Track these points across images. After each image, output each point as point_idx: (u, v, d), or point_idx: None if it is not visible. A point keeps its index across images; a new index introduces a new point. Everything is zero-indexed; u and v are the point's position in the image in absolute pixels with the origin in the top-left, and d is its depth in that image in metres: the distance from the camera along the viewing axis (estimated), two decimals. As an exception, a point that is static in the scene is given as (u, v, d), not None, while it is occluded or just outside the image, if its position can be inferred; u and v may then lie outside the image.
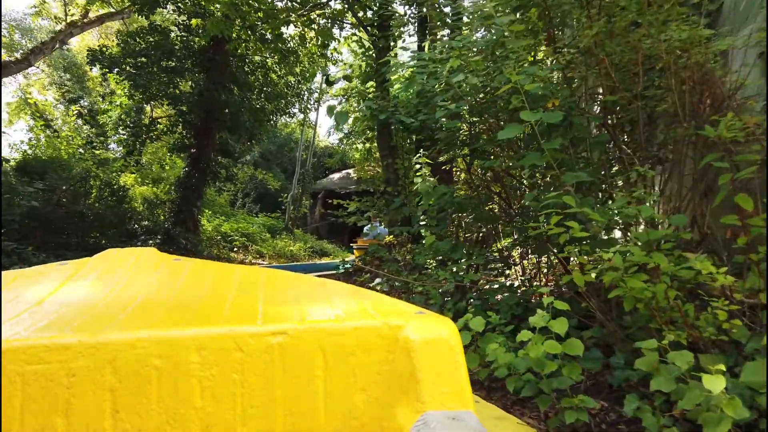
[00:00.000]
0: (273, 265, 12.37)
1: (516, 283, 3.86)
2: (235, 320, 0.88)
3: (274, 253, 13.59)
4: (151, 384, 0.79)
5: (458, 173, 7.17)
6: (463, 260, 3.82)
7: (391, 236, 8.35)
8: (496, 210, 4.50)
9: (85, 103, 21.19)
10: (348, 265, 8.12)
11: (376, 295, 1.12)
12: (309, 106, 14.01)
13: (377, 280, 4.87)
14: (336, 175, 26.51)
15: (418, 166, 4.43)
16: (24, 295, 1.09)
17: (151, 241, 10.67)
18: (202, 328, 0.84)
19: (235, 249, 12.99)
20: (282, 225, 16.20)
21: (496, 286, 3.62)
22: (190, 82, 12.04)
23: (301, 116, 16.23)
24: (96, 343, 0.79)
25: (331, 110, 8.16)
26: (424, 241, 4.40)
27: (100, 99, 18.16)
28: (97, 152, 13.28)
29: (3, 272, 1.26)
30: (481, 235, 4.67)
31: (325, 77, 13.46)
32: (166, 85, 11.24)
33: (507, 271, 4.23)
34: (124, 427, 0.77)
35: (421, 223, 5.32)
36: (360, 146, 27.23)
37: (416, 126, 5.22)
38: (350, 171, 27.60)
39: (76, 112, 15.29)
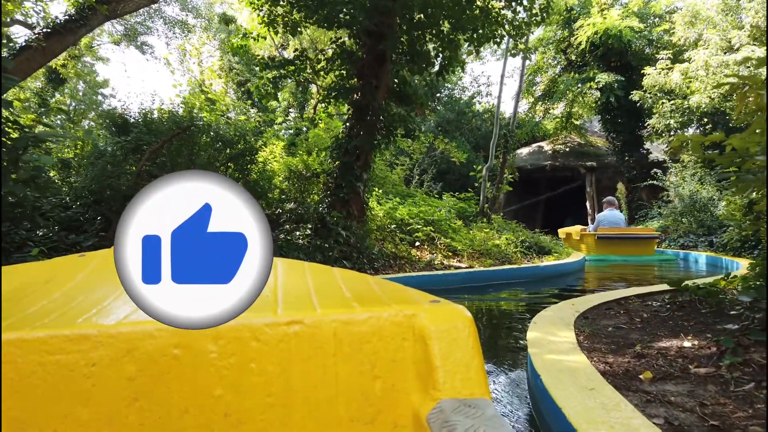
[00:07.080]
0: (479, 271, 7.78)
1: None
2: (253, 309, 0.78)
3: (473, 251, 8.98)
4: (170, 373, 0.76)
5: None
6: None
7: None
8: None
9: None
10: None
11: (388, 283, 1.12)
12: (525, 27, 8.90)
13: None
14: (525, 150, 22.01)
15: None
16: (44, 286, 1.08)
17: (298, 233, 6.89)
18: None
19: (417, 244, 8.71)
20: (475, 209, 11.55)
21: None
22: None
23: (504, 46, 11.13)
24: (116, 333, 0.76)
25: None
26: None
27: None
28: (243, 118, 10.16)
29: (26, 264, 1.34)
30: None
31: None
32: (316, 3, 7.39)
33: None
34: (144, 415, 0.75)
35: None
36: (557, 111, 21.66)
37: None
38: (542, 144, 22.50)
39: (215, 67, 12.56)
